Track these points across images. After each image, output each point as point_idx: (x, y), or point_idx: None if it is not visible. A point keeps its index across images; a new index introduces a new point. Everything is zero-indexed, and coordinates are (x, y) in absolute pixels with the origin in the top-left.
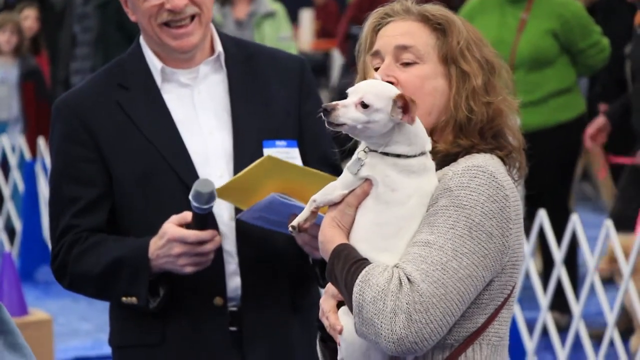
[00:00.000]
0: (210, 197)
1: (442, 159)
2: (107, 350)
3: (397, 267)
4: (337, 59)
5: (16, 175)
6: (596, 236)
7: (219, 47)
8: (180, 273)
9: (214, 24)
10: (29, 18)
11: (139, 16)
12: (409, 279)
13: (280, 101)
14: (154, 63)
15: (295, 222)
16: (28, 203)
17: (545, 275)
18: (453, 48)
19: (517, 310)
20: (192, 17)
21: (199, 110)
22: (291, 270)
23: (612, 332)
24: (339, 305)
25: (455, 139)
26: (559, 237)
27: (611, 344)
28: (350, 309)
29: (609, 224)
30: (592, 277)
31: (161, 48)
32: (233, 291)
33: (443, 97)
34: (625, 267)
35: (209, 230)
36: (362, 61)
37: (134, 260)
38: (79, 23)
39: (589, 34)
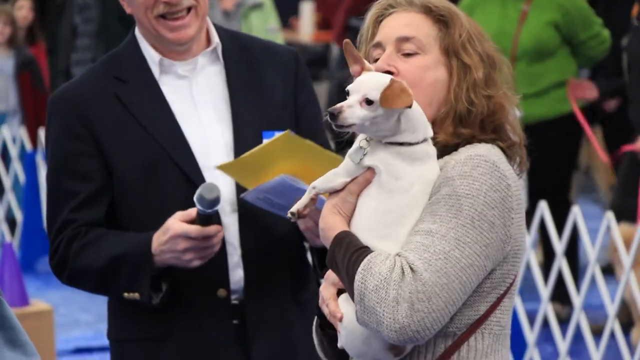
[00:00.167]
0: (213, 203)
1: (443, 149)
2: (107, 341)
3: (400, 255)
4: (338, 51)
5: (17, 166)
6: (597, 228)
7: (216, 39)
8: (185, 267)
9: None
10: (24, 8)
11: (134, 8)
12: (411, 268)
13: (277, 93)
14: (152, 55)
15: (294, 209)
16: (29, 194)
17: (546, 267)
18: (455, 40)
19: (518, 302)
20: (189, 9)
21: (198, 102)
22: (292, 262)
23: (613, 324)
24: (339, 292)
25: (455, 129)
26: (560, 229)
27: (612, 336)
28: (352, 296)
29: (610, 215)
30: (593, 269)
31: (157, 40)
32: (236, 283)
33: (443, 88)
34: (626, 259)
35: (213, 226)
36: (363, 52)
37: (136, 255)
38: (80, 14)
39: (589, 26)
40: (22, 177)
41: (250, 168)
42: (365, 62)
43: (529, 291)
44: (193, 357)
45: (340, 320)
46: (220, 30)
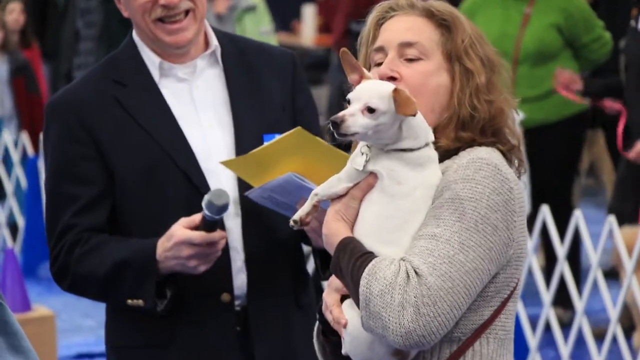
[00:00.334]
0: (222, 209)
1: (444, 153)
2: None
3: (404, 260)
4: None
5: (19, 171)
6: (599, 232)
7: (214, 42)
8: (191, 273)
9: None
10: (15, 11)
11: (132, 12)
12: (416, 272)
13: (275, 95)
14: (151, 58)
15: (297, 216)
16: (31, 199)
17: (548, 271)
18: (458, 45)
19: (520, 306)
20: (187, 12)
21: (198, 105)
22: (293, 265)
23: (615, 329)
24: (342, 299)
25: (457, 134)
26: (561, 233)
27: (614, 340)
28: (356, 302)
29: (612, 219)
30: (595, 273)
31: (155, 44)
32: (239, 288)
33: (446, 94)
34: (628, 263)
35: (217, 232)
36: (364, 54)
37: (141, 262)
38: (82, 18)
39: (592, 28)
40: (23, 182)
41: (256, 165)
42: (364, 70)
43: (531, 296)
44: None
45: (345, 326)
46: (217, 32)
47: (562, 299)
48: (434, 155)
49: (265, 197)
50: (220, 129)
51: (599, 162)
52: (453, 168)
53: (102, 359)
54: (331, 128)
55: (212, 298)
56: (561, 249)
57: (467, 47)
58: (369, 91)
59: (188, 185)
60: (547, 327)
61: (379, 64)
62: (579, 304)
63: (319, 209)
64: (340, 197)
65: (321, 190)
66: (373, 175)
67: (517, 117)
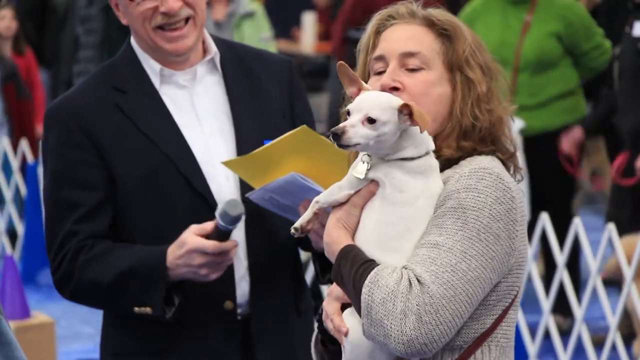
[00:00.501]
0: (236, 219)
1: (445, 162)
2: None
3: (406, 268)
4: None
5: (18, 178)
6: (599, 240)
7: (214, 48)
8: (201, 281)
9: None
10: (6, 18)
11: (131, 19)
12: (418, 280)
13: (275, 101)
14: (151, 65)
15: (297, 224)
16: (30, 206)
17: (548, 279)
18: (459, 55)
19: (519, 314)
20: (187, 20)
21: (199, 112)
22: (293, 271)
23: (614, 336)
24: (343, 307)
25: (458, 144)
26: (561, 240)
27: (613, 348)
28: (358, 310)
29: (611, 227)
30: (595, 281)
31: (155, 51)
32: (242, 296)
33: (447, 103)
34: (628, 271)
35: (229, 241)
36: (362, 61)
37: (149, 269)
38: (82, 25)
39: (592, 36)
40: (23, 189)
41: (258, 165)
42: (362, 82)
43: (530, 303)
44: None
45: (346, 335)
46: (215, 39)
47: (562, 307)
48: (435, 163)
49: (266, 199)
50: (222, 136)
51: (600, 170)
52: (455, 177)
53: None
54: (332, 139)
55: (215, 306)
56: (561, 257)
57: (468, 56)
58: (369, 102)
59: (190, 190)
60: (547, 335)
61: (379, 73)
62: (579, 311)
63: (324, 214)
64: (341, 204)
65: (322, 197)
66: (374, 183)
67: (515, 124)
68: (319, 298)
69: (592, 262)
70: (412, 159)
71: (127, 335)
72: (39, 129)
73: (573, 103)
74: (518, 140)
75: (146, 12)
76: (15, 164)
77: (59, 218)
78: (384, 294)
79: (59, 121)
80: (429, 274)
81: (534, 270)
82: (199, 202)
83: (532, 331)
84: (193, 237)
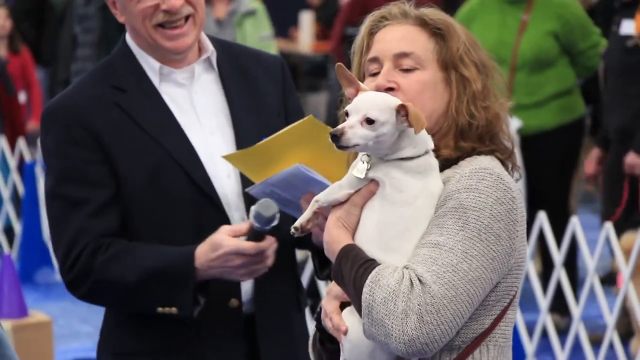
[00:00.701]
0: (270, 220)
1: (444, 162)
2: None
3: (408, 268)
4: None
5: (15, 176)
6: (596, 238)
7: (210, 47)
8: (234, 280)
9: None
10: (0, 17)
11: (131, 17)
12: (420, 280)
13: (270, 99)
14: (150, 63)
15: (297, 223)
16: (28, 205)
17: (545, 278)
18: (453, 54)
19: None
20: (187, 18)
21: (198, 110)
22: (293, 268)
23: (611, 335)
24: (341, 306)
25: (456, 143)
26: (558, 239)
27: (611, 346)
28: (358, 310)
29: (608, 226)
30: (592, 280)
31: (154, 49)
32: (246, 293)
33: (443, 102)
34: (625, 270)
35: (267, 240)
36: (357, 63)
37: (177, 270)
38: (80, 24)
39: (588, 35)
40: (20, 188)
41: (260, 159)
42: (360, 83)
43: (527, 302)
44: None
45: (345, 333)
46: (210, 38)
47: (559, 306)
48: (435, 162)
49: (267, 193)
50: (221, 134)
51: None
52: (455, 178)
53: None
54: (331, 140)
55: (220, 304)
56: (558, 256)
57: (462, 54)
58: (368, 103)
59: (193, 188)
60: (544, 334)
61: (374, 74)
62: (576, 310)
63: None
64: (341, 203)
65: (322, 196)
66: (374, 182)
67: (513, 123)
68: (316, 297)
69: (589, 261)
70: (411, 158)
71: (132, 334)
72: (31, 127)
73: (570, 102)
74: (516, 139)
75: (147, 9)
76: (12, 162)
77: (67, 216)
78: (385, 294)
79: (59, 120)
80: (430, 274)
81: (532, 269)
82: (202, 199)
83: (530, 330)
84: (228, 239)
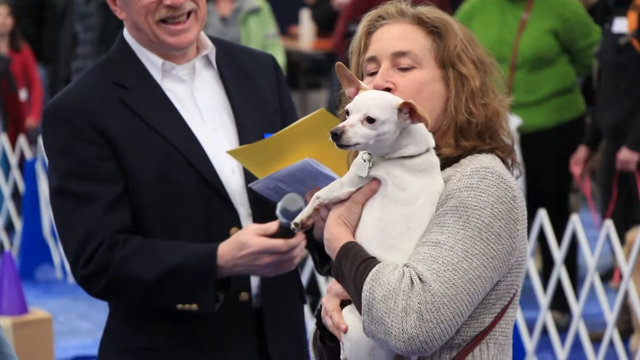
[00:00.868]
0: (297, 214)
1: (445, 161)
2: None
3: (408, 266)
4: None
5: (16, 174)
6: (596, 236)
7: (209, 43)
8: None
9: None
10: (0, 15)
11: (132, 13)
12: (420, 279)
13: (267, 96)
14: (152, 59)
15: (298, 219)
16: (28, 202)
17: (545, 275)
18: (450, 51)
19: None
20: (189, 14)
21: (201, 106)
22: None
23: (611, 332)
24: (342, 304)
25: (457, 142)
26: (559, 237)
27: (611, 344)
28: (358, 307)
29: (609, 224)
30: (592, 277)
31: (155, 45)
32: (255, 287)
33: (441, 100)
34: (625, 267)
35: (297, 236)
36: (355, 63)
37: (199, 267)
38: (81, 22)
39: (588, 33)
40: (21, 186)
41: (265, 154)
42: (360, 82)
43: (528, 299)
44: None
45: (345, 332)
46: (207, 36)
47: (559, 303)
48: (436, 160)
49: (270, 188)
50: (224, 131)
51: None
52: (457, 177)
53: None
54: (331, 139)
55: (231, 298)
56: (558, 253)
57: (459, 52)
58: (368, 101)
59: (202, 183)
60: (544, 331)
61: (372, 74)
62: (576, 307)
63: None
64: (342, 201)
65: (323, 193)
66: (376, 180)
67: (512, 121)
68: (317, 294)
69: (589, 258)
70: (412, 156)
71: (141, 331)
72: (30, 124)
73: (570, 100)
74: (515, 137)
75: (150, 5)
76: (13, 160)
77: (76, 212)
78: (386, 292)
79: (64, 117)
80: (431, 272)
81: (532, 266)
82: (211, 193)
83: (530, 327)
84: (257, 238)
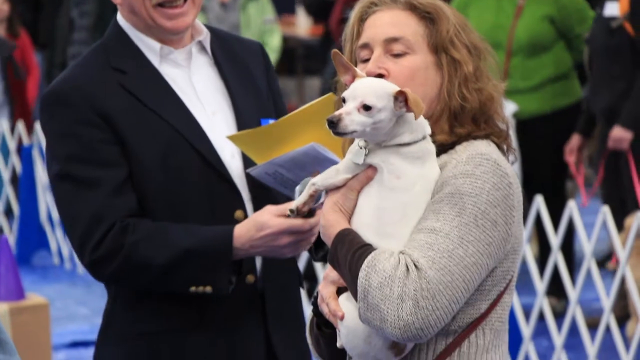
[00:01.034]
0: (318, 197)
1: (439, 147)
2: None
3: (404, 253)
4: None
5: (15, 159)
6: (593, 222)
7: (204, 29)
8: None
9: None
10: None
11: None
12: (416, 266)
13: (259, 82)
14: (149, 44)
15: (293, 206)
16: (25, 188)
17: (542, 261)
18: (443, 36)
19: (513, 296)
20: None
21: (199, 91)
22: None
23: (608, 318)
24: (338, 291)
25: (452, 128)
26: (555, 223)
27: (607, 329)
28: (354, 294)
29: (605, 209)
30: (589, 263)
31: (152, 29)
32: (259, 270)
33: (434, 86)
34: (622, 252)
35: (316, 215)
36: (348, 50)
37: (214, 250)
38: (77, 7)
39: (585, 20)
40: (19, 171)
41: (266, 140)
42: (356, 69)
43: (524, 285)
44: (222, 346)
45: (342, 319)
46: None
47: (556, 289)
48: (432, 148)
49: (269, 174)
50: (222, 115)
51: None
52: (452, 163)
53: None
54: (328, 127)
55: (238, 280)
56: (555, 239)
57: (452, 37)
58: (365, 89)
59: (204, 165)
60: (541, 317)
61: (365, 61)
62: (573, 293)
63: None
64: (338, 188)
65: (319, 180)
66: (372, 168)
67: (508, 107)
68: (314, 280)
69: (586, 244)
70: (408, 144)
71: (148, 315)
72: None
73: (566, 86)
74: (511, 123)
75: None
76: (12, 145)
77: (81, 196)
78: (381, 279)
79: (65, 102)
80: (426, 259)
81: (528, 252)
82: (215, 177)
83: (526, 313)
84: (276, 218)
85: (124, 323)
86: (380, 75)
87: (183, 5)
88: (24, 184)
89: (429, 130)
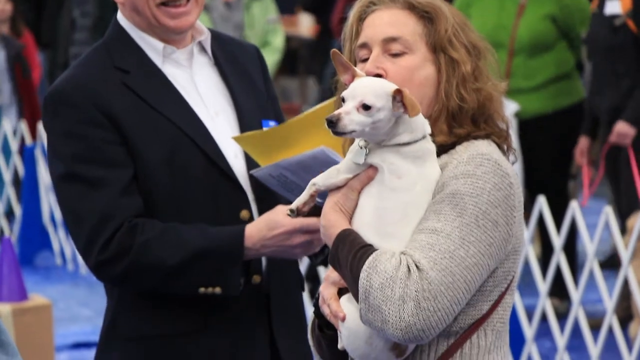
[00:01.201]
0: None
1: (439, 148)
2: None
3: (405, 254)
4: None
5: (17, 160)
6: (596, 223)
7: (205, 30)
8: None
9: None
10: (0, 1)
11: None
12: (417, 266)
13: (258, 84)
14: (152, 43)
15: (294, 206)
16: (28, 188)
17: (544, 262)
18: (441, 36)
19: (516, 297)
20: None
21: (201, 91)
22: None
23: (611, 319)
24: (340, 292)
25: (451, 128)
26: (558, 224)
27: (610, 330)
28: (355, 295)
29: (608, 210)
30: (592, 264)
31: (154, 28)
32: (265, 271)
33: (433, 86)
34: (624, 253)
35: None
36: (347, 49)
37: (226, 251)
38: (78, 7)
39: (587, 19)
40: (21, 171)
41: (273, 142)
42: (356, 69)
43: (527, 286)
44: (226, 349)
45: (343, 320)
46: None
47: (559, 290)
48: (432, 147)
49: (274, 176)
50: (225, 116)
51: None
52: (453, 164)
53: None
54: (327, 127)
55: (245, 281)
56: (557, 240)
57: (450, 36)
58: (364, 88)
59: (209, 165)
60: (544, 318)
61: (364, 60)
62: (575, 294)
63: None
64: (339, 188)
65: (320, 180)
66: (373, 168)
67: (511, 107)
68: (315, 281)
69: (589, 245)
70: (408, 143)
71: (156, 318)
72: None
73: (569, 86)
74: (512, 122)
75: None
76: (15, 145)
77: (87, 196)
78: (383, 280)
79: (69, 102)
80: (428, 260)
81: (531, 253)
82: (219, 177)
83: (529, 314)
84: (287, 217)
85: (126, 326)
86: (378, 75)
87: (186, 5)
88: (26, 184)
89: (428, 130)
